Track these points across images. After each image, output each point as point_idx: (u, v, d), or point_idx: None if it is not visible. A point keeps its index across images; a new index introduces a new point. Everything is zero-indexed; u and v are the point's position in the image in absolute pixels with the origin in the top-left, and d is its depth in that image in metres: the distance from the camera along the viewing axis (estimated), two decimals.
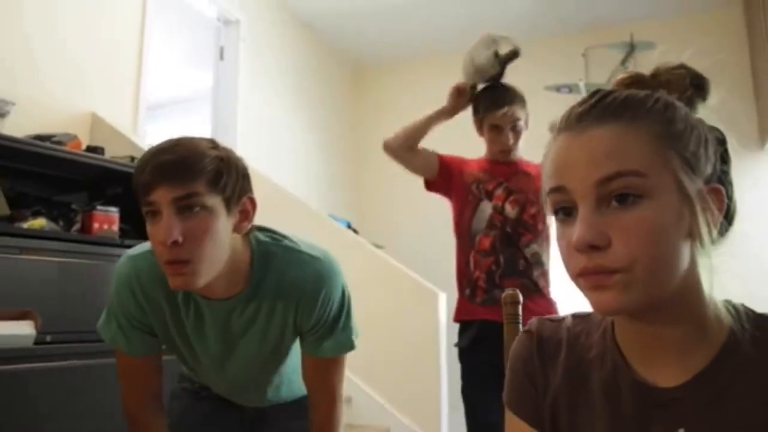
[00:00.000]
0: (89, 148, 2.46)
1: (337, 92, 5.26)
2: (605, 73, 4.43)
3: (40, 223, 2.13)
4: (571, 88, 4.54)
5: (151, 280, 1.14)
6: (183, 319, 1.18)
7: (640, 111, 0.63)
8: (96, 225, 2.29)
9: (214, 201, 1.03)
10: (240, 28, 4.09)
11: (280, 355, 1.27)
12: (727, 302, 0.65)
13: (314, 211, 3.54)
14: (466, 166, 2.06)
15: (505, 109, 1.93)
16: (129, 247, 2.27)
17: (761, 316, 0.66)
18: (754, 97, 4.15)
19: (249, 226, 1.13)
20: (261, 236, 1.18)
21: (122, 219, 2.40)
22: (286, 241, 1.20)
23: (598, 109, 0.63)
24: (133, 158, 2.51)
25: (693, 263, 0.63)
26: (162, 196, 0.99)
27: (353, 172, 5.29)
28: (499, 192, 1.96)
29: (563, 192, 0.63)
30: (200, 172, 1.01)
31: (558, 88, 4.56)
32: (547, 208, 0.67)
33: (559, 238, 0.65)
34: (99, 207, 2.34)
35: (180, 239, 0.98)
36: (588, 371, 0.71)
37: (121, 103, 3.14)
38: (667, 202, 0.60)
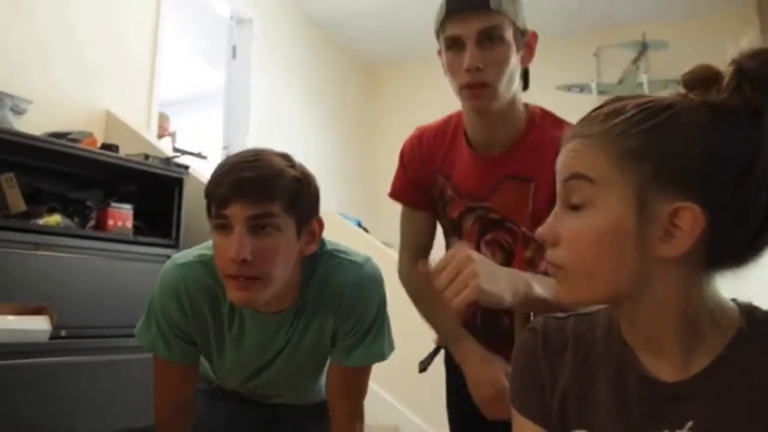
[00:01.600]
0: (104, 146, 2.49)
1: (349, 91, 5.27)
2: (617, 73, 4.42)
3: (55, 219, 2.16)
4: (582, 88, 4.53)
5: (198, 291, 1.14)
6: (225, 332, 1.18)
7: (619, 126, 0.63)
8: (110, 222, 2.32)
9: (288, 222, 1.03)
10: (253, 27, 4.12)
11: (316, 363, 1.28)
12: (734, 300, 0.66)
13: (325, 209, 3.55)
14: (431, 172, 1.29)
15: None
16: (142, 244, 2.34)
17: None
18: None
19: (314, 249, 1.14)
20: None
21: (136, 216, 2.43)
22: (328, 247, 1.20)
23: (585, 121, 0.68)
24: (146, 156, 2.54)
25: (697, 270, 0.63)
26: (237, 212, 0.99)
27: (364, 170, 5.30)
28: (468, 224, 1.26)
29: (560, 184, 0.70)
30: (279, 193, 1.01)
31: (569, 88, 4.55)
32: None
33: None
34: (113, 204, 2.37)
35: (249, 258, 0.99)
36: (595, 367, 0.72)
37: (134, 101, 3.17)
38: (614, 212, 0.63)
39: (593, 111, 0.67)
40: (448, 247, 1.35)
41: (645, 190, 0.61)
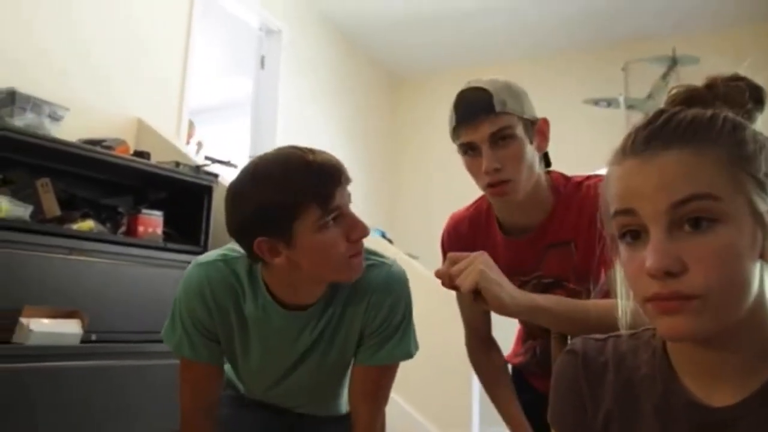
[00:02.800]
0: (136, 153, 2.53)
1: (375, 102, 5.30)
2: (645, 88, 4.37)
3: (88, 225, 2.20)
4: (610, 102, 4.49)
5: (222, 289, 1.16)
6: (249, 329, 1.19)
7: (709, 134, 0.61)
8: (141, 228, 2.36)
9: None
10: (282, 37, 4.17)
11: (342, 365, 1.28)
12: None
13: None
14: None
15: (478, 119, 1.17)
16: (173, 250, 2.37)
17: None
18: None
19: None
20: None
21: (165, 223, 2.47)
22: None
23: (665, 133, 0.62)
24: (177, 164, 2.58)
25: (762, 284, 0.61)
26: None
27: (389, 182, 5.32)
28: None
29: (632, 215, 0.62)
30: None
31: (596, 102, 4.51)
32: (612, 230, 0.66)
33: (627, 263, 0.64)
34: (144, 210, 2.41)
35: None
36: (638, 392, 0.70)
37: (165, 110, 3.23)
38: (741, 226, 0.59)
39: (659, 131, 0.63)
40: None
41: (753, 197, 0.60)
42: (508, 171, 1.17)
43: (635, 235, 0.63)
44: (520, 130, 1.18)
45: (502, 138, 1.16)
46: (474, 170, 1.21)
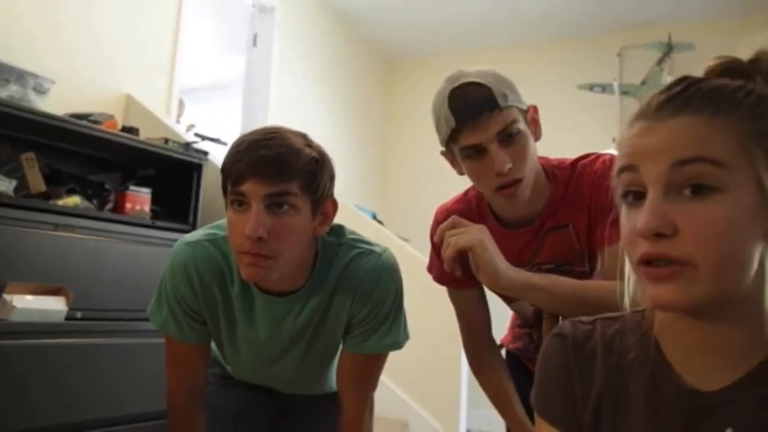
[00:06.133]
0: (124, 129, 2.49)
1: (369, 83, 5.25)
2: (640, 74, 4.36)
3: (74, 201, 2.17)
4: (605, 88, 4.48)
5: (208, 269, 1.14)
6: (234, 313, 1.18)
7: (726, 104, 0.60)
8: (128, 205, 2.33)
9: (304, 202, 1.03)
10: (275, 15, 4.10)
11: (330, 352, 1.27)
12: None
13: (341, 201, 3.55)
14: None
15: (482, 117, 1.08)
16: (160, 228, 2.34)
17: None
18: None
19: (327, 229, 1.14)
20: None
21: (154, 200, 2.44)
22: (348, 237, 1.20)
23: (680, 98, 0.61)
24: (166, 140, 2.54)
25: (762, 265, 0.60)
26: (255, 190, 0.99)
27: (381, 163, 5.29)
28: None
29: (635, 171, 0.61)
30: (297, 172, 1.01)
31: (591, 87, 4.50)
32: (617, 192, 0.64)
33: (624, 224, 0.63)
34: (132, 187, 2.37)
35: (265, 236, 0.99)
36: (627, 377, 0.69)
37: (155, 86, 3.18)
38: (744, 200, 0.58)
39: (675, 96, 0.61)
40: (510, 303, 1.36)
41: (761, 173, 0.58)
42: (519, 168, 1.08)
43: (637, 195, 0.61)
44: (523, 124, 1.10)
45: (509, 135, 1.07)
46: (480, 174, 1.11)
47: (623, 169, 0.62)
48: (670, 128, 0.60)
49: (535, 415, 0.76)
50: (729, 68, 0.65)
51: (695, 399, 0.64)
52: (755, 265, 0.59)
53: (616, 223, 0.66)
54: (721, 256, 0.57)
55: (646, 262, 0.59)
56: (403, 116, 5.26)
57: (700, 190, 0.57)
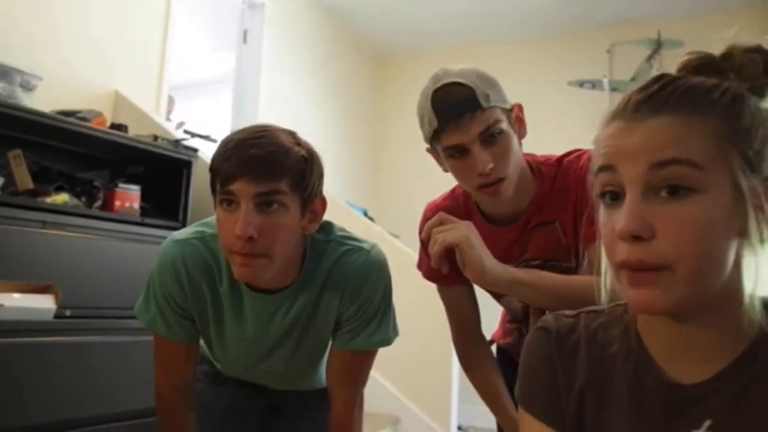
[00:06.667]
0: (113, 126, 2.47)
1: (359, 79, 5.24)
2: (630, 70, 4.38)
3: (62, 198, 2.15)
4: (595, 84, 4.49)
5: (197, 267, 1.14)
6: (223, 310, 1.17)
7: (703, 103, 0.60)
8: (117, 202, 2.31)
9: (293, 200, 1.03)
10: (265, 11, 4.09)
11: (319, 349, 1.27)
12: (765, 299, 0.64)
13: (331, 197, 3.55)
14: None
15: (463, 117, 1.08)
16: (149, 225, 2.33)
17: None
18: None
19: (316, 227, 1.14)
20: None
21: (143, 198, 2.42)
22: (337, 234, 1.20)
23: (657, 98, 0.61)
24: (156, 137, 2.52)
25: (737, 262, 0.61)
26: (244, 189, 0.99)
27: (372, 160, 5.28)
28: None
29: (612, 172, 0.61)
30: (286, 171, 1.01)
31: (581, 84, 4.51)
32: (594, 191, 0.65)
33: (604, 225, 0.63)
34: (121, 185, 2.36)
35: (255, 235, 0.99)
36: (610, 369, 0.70)
37: (144, 82, 3.15)
38: (720, 200, 0.58)
39: (653, 95, 0.61)
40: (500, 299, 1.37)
41: (738, 173, 0.59)
42: (501, 168, 1.09)
43: (614, 195, 0.62)
44: (506, 123, 1.11)
45: (491, 135, 1.08)
46: (463, 173, 1.13)
47: (601, 169, 0.63)
48: (648, 129, 0.60)
49: (519, 409, 0.76)
50: (702, 64, 0.65)
51: (676, 392, 0.65)
52: (731, 262, 0.60)
53: (592, 219, 0.67)
54: (698, 258, 0.58)
55: (626, 267, 0.60)
56: (394, 112, 5.26)
57: (677, 191, 0.58)
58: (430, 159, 1.22)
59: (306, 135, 1.12)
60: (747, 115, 0.61)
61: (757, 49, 0.64)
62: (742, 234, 0.60)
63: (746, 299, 0.62)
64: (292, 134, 1.08)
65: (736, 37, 0.65)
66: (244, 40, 4.10)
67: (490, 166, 1.08)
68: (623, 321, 0.72)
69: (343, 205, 3.53)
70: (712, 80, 0.62)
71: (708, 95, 0.61)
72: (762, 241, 0.60)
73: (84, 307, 2.04)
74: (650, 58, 4.28)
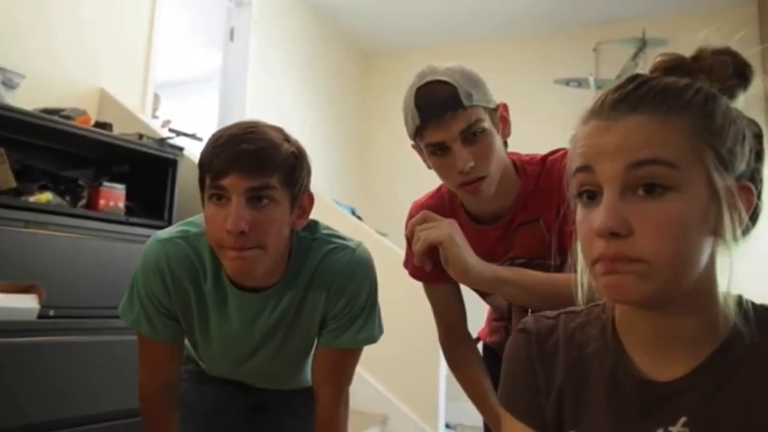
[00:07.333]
0: (97, 124, 2.45)
1: (347, 78, 5.24)
2: (616, 69, 4.41)
3: (46, 197, 2.13)
4: (581, 83, 4.51)
5: (181, 267, 1.13)
6: (208, 310, 1.17)
7: (678, 102, 0.61)
8: (102, 201, 2.29)
9: (283, 195, 1.04)
10: (252, 9, 4.07)
11: (305, 347, 1.27)
12: (739, 296, 0.65)
13: (319, 196, 3.54)
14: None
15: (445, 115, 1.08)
16: (134, 224, 2.31)
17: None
18: (763, 97, 4.11)
19: (304, 223, 1.14)
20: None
21: (128, 196, 2.40)
22: (322, 232, 1.20)
23: (633, 97, 0.62)
24: (141, 136, 2.50)
25: (712, 260, 0.62)
26: (235, 184, 0.99)
27: (359, 158, 5.28)
28: None
29: (590, 172, 0.62)
30: (277, 166, 1.02)
31: (567, 82, 4.53)
32: (571, 190, 0.65)
33: (581, 224, 0.64)
34: (105, 183, 2.34)
35: (247, 229, 0.99)
36: (588, 368, 0.71)
37: (130, 80, 3.13)
38: (695, 197, 0.59)
39: (628, 95, 0.62)
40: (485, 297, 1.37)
41: (712, 171, 0.60)
42: (482, 167, 1.10)
43: (591, 195, 0.63)
44: (488, 122, 1.11)
45: (473, 134, 1.09)
46: (444, 170, 1.14)
47: (578, 170, 0.64)
48: (624, 127, 0.61)
49: (501, 410, 0.77)
50: (674, 65, 0.66)
51: (652, 389, 0.65)
52: (705, 260, 0.61)
53: (567, 218, 0.67)
54: (674, 255, 0.59)
55: (602, 259, 0.61)
56: (382, 110, 5.25)
57: (653, 189, 0.59)
58: (418, 157, 1.23)
59: (293, 133, 1.13)
60: (719, 115, 0.62)
61: (727, 51, 0.66)
62: (716, 232, 0.61)
63: (721, 297, 0.63)
64: (280, 130, 1.08)
65: (707, 39, 0.67)
66: (231, 38, 4.08)
67: (471, 164, 1.08)
68: (601, 321, 0.73)
69: (330, 204, 3.52)
70: (685, 80, 0.64)
71: (682, 95, 0.62)
72: (735, 239, 0.61)
73: (68, 306, 2.02)
74: (635, 56, 4.31)
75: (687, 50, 0.68)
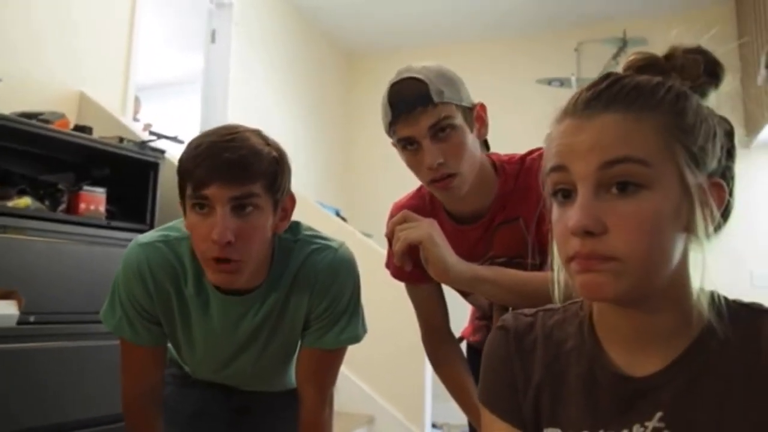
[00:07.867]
0: (77, 128, 2.42)
1: (329, 79, 5.23)
2: (597, 68, 4.45)
3: (25, 202, 2.10)
4: (563, 82, 4.55)
5: (162, 271, 1.12)
6: (191, 314, 1.16)
7: (650, 101, 0.62)
8: (82, 205, 2.26)
9: (266, 201, 1.03)
10: (233, 11, 4.04)
11: (288, 348, 1.27)
12: (713, 292, 0.66)
13: (303, 198, 3.53)
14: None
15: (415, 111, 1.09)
16: (115, 228, 2.28)
17: (742, 305, 0.66)
18: (741, 96, 4.17)
19: (287, 225, 1.14)
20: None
21: (109, 200, 2.38)
22: (304, 233, 1.20)
23: (607, 95, 0.63)
24: (121, 139, 2.48)
25: (685, 256, 0.63)
26: (219, 194, 0.98)
27: (343, 159, 5.27)
28: None
29: (564, 172, 0.63)
30: (261, 174, 1.01)
31: (549, 82, 4.56)
32: (546, 189, 0.66)
33: (556, 222, 0.65)
34: (86, 187, 2.31)
35: (233, 239, 0.98)
36: (566, 364, 0.72)
37: (110, 83, 3.10)
38: (668, 195, 0.60)
39: (601, 93, 0.63)
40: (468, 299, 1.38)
41: (684, 168, 0.61)
42: (452, 164, 1.11)
43: (566, 194, 0.63)
44: (459, 120, 1.11)
45: (442, 129, 1.10)
46: (415, 166, 1.15)
47: (553, 169, 0.64)
48: (598, 126, 0.61)
49: (481, 407, 0.78)
50: (647, 64, 0.67)
51: (628, 384, 0.66)
52: (678, 257, 0.62)
53: (545, 217, 0.68)
54: (647, 252, 0.59)
55: (577, 257, 0.61)
56: (365, 111, 5.25)
57: (626, 187, 0.60)
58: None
59: (276, 135, 1.12)
60: (691, 112, 0.63)
61: (698, 50, 0.67)
62: (689, 229, 0.62)
63: (694, 293, 0.64)
64: (259, 134, 1.08)
65: (680, 38, 0.67)
66: (213, 40, 4.05)
67: (440, 160, 1.09)
68: (578, 318, 0.73)
69: (314, 206, 3.51)
70: (657, 78, 0.64)
71: (654, 93, 0.62)
72: (708, 236, 0.62)
73: (48, 312, 1.99)
74: (616, 56, 4.36)
75: (666, 49, 0.69)
